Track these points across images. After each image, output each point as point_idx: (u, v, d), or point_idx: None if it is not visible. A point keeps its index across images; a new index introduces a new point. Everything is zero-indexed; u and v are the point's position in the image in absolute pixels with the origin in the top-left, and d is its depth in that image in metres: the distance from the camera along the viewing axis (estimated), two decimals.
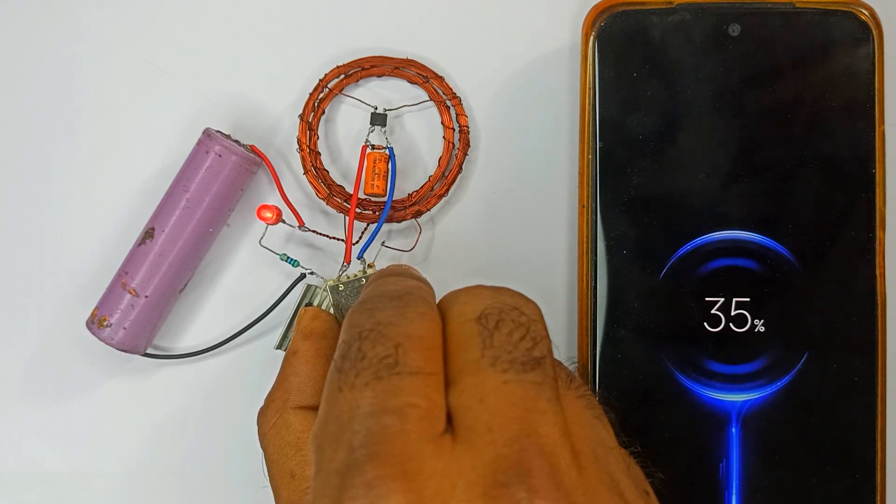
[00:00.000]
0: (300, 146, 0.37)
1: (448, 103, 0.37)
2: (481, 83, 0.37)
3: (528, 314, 0.25)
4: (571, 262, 0.37)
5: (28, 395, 0.38)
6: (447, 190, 0.37)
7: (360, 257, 0.35)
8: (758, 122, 0.34)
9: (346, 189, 0.37)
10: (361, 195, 0.36)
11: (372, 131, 0.37)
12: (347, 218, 0.35)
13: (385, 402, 0.23)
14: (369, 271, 0.35)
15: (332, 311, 0.34)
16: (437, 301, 0.27)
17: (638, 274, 0.35)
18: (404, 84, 0.37)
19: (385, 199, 0.36)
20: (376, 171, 0.36)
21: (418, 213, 0.36)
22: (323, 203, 0.37)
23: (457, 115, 0.37)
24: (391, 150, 0.36)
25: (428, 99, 0.37)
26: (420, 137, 0.37)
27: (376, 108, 0.36)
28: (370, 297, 0.27)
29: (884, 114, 0.34)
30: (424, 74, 0.37)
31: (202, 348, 0.37)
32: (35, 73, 0.38)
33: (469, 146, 0.37)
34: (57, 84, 0.38)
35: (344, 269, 0.35)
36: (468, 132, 0.37)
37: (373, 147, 0.36)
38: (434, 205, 0.36)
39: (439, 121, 0.37)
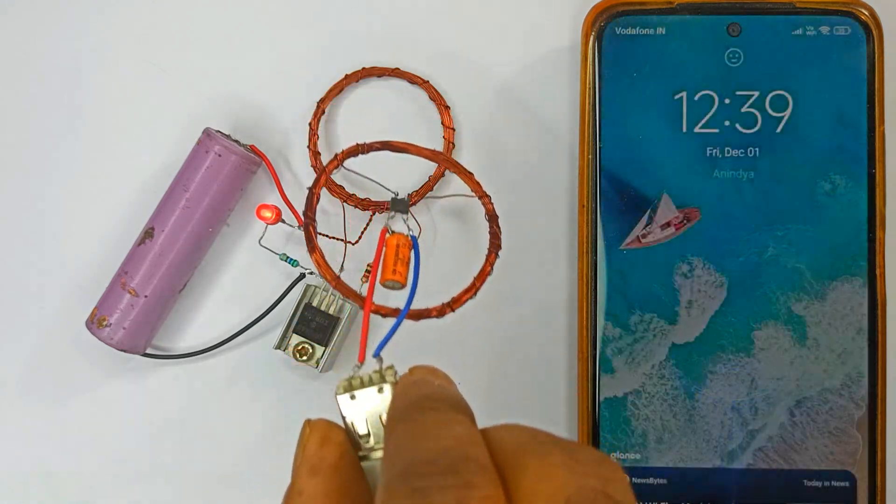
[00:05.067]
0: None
1: (448, 104, 0.37)
2: (481, 83, 0.37)
3: (621, 497, 0.21)
4: (571, 262, 0.37)
5: (28, 395, 0.38)
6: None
7: (376, 355, 0.29)
8: (758, 122, 0.34)
9: (347, 189, 0.37)
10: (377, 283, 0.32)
11: (392, 217, 0.34)
12: (362, 312, 0.30)
13: None
14: (388, 376, 0.28)
15: (342, 422, 0.28)
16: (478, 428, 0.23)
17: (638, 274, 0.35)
18: (404, 84, 0.37)
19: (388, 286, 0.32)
20: (399, 256, 0.31)
21: (442, 313, 0.33)
22: (323, 203, 0.37)
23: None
24: (415, 238, 0.32)
25: (453, 195, 0.36)
26: (419, 139, 0.37)
27: (397, 194, 0.34)
28: (414, 465, 0.21)
29: (884, 114, 0.34)
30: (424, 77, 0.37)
31: (202, 348, 0.37)
32: (35, 72, 0.38)
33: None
34: (57, 84, 0.38)
35: (357, 369, 0.29)
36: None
37: (392, 232, 0.32)
38: (465, 301, 0.33)
39: (439, 121, 0.37)
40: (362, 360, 0.28)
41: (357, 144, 0.32)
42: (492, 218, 0.33)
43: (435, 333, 0.36)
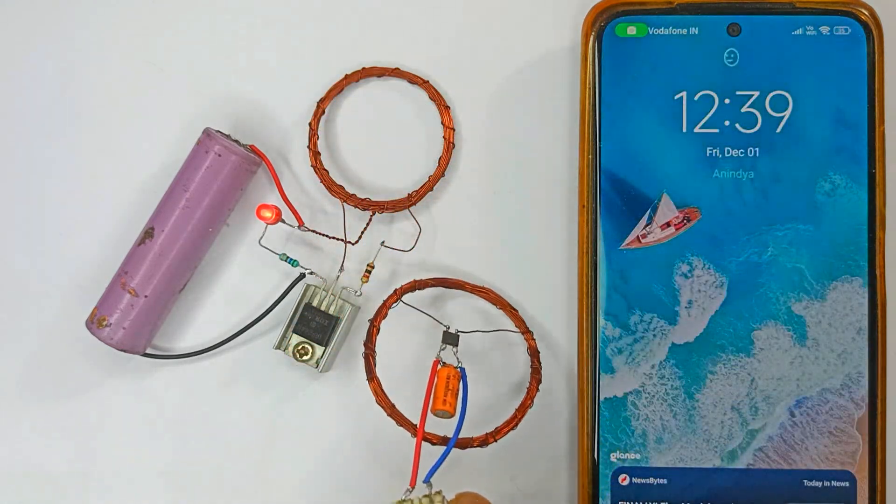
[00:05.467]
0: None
1: (448, 104, 0.37)
2: (482, 83, 0.37)
3: None
4: (571, 262, 0.37)
5: (28, 395, 0.38)
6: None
7: (426, 481, 0.33)
8: (758, 122, 0.34)
9: (346, 189, 0.37)
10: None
11: (443, 349, 0.35)
12: (416, 437, 0.34)
13: None
14: (436, 501, 0.32)
15: None
16: None
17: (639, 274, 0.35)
18: (404, 84, 0.37)
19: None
20: (450, 388, 0.34)
21: (485, 443, 0.35)
22: (323, 203, 0.37)
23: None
24: (463, 370, 0.34)
25: (498, 329, 0.36)
26: (419, 139, 0.38)
27: (448, 327, 0.35)
28: None
29: (884, 114, 0.34)
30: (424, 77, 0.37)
31: (202, 348, 0.37)
32: (35, 72, 0.38)
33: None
34: (57, 84, 0.38)
35: (408, 493, 0.33)
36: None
37: (444, 364, 0.35)
38: (506, 433, 0.35)
39: (439, 121, 0.37)
40: (413, 484, 0.32)
41: (414, 281, 0.36)
42: (533, 353, 0.36)
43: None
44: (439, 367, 0.34)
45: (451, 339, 0.35)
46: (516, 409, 0.35)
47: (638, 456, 0.34)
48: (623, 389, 0.34)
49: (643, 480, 0.34)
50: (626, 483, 0.34)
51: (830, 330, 0.34)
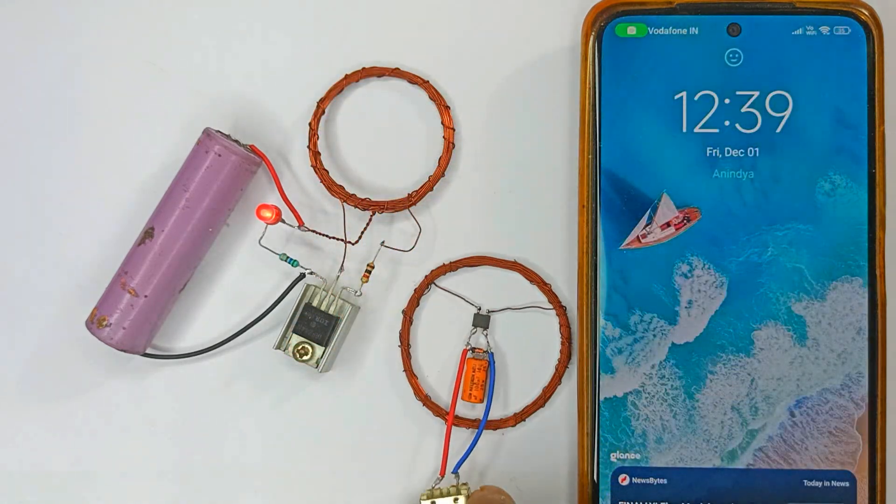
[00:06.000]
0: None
1: (448, 104, 0.37)
2: (482, 83, 0.37)
3: None
4: (571, 262, 0.37)
5: (28, 394, 0.38)
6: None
7: (455, 472, 0.35)
8: (758, 122, 0.34)
9: (346, 189, 0.37)
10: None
11: (474, 333, 0.36)
12: (445, 428, 0.36)
13: None
14: (462, 490, 0.35)
15: None
16: None
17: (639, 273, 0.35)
18: (404, 84, 0.37)
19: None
20: (474, 381, 0.36)
21: (516, 422, 0.36)
22: (323, 203, 0.37)
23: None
24: (491, 356, 0.36)
25: (531, 305, 0.37)
26: (419, 139, 0.38)
27: (479, 309, 0.36)
28: None
29: (884, 114, 0.34)
30: (424, 77, 0.37)
31: (202, 348, 0.37)
32: (35, 72, 0.38)
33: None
34: (57, 84, 0.38)
35: (438, 481, 0.35)
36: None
37: (472, 350, 0.36)
38: (533, 412, 0.36)
39: (439, 121, 0.37)
40: (443, 474, 0.35)
41: (444, 265, 0.37)
42: (564, 329, 0.36)
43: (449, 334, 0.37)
44: (468, 356, 0.35)
45: (481, 321, 0.36)
46: (544, 389, 0.36)
47: (638, 456, 0.34)
48: (623, 389, 0.34)
49: (643, 480, 0.34)
50: (626, 483, 0.34)
51: (830, 330, 0.34)
